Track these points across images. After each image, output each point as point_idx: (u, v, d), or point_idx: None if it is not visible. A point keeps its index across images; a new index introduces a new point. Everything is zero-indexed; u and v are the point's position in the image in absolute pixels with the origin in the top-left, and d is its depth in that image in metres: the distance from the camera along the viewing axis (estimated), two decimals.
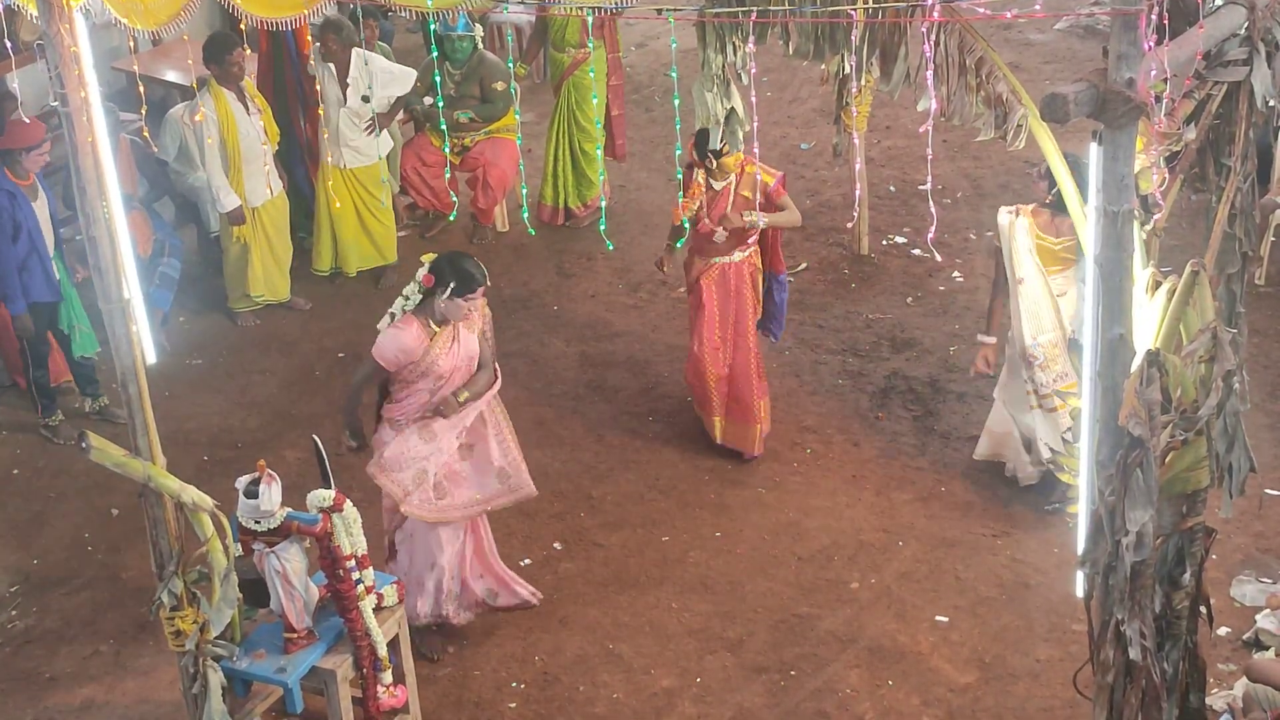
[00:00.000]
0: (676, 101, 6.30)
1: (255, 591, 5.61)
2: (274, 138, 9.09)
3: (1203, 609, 4.75)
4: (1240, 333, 4.67)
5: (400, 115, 10.41)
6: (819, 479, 7.68)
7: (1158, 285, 4.56)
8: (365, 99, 9.18)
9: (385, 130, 9.48)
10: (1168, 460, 4.34)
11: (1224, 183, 4.79)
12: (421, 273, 6.14)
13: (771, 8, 5.08)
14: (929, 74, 4.76)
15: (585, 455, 7.96)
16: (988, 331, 7.32)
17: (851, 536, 7.23)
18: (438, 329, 6.17)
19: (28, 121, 7.56)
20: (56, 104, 4.93)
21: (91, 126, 5.00)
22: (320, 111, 9.01)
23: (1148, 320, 4.47)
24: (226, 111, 8.74)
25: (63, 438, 8.21)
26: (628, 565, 7.14)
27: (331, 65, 9.17)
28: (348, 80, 9.16)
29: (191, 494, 5.20)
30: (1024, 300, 7.00)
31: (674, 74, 6.64)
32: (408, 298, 6.17)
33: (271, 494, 5.36)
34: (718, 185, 7.43)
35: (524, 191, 8.27)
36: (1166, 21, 4.14)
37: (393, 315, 6.19)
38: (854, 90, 8.36)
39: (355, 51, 9.18)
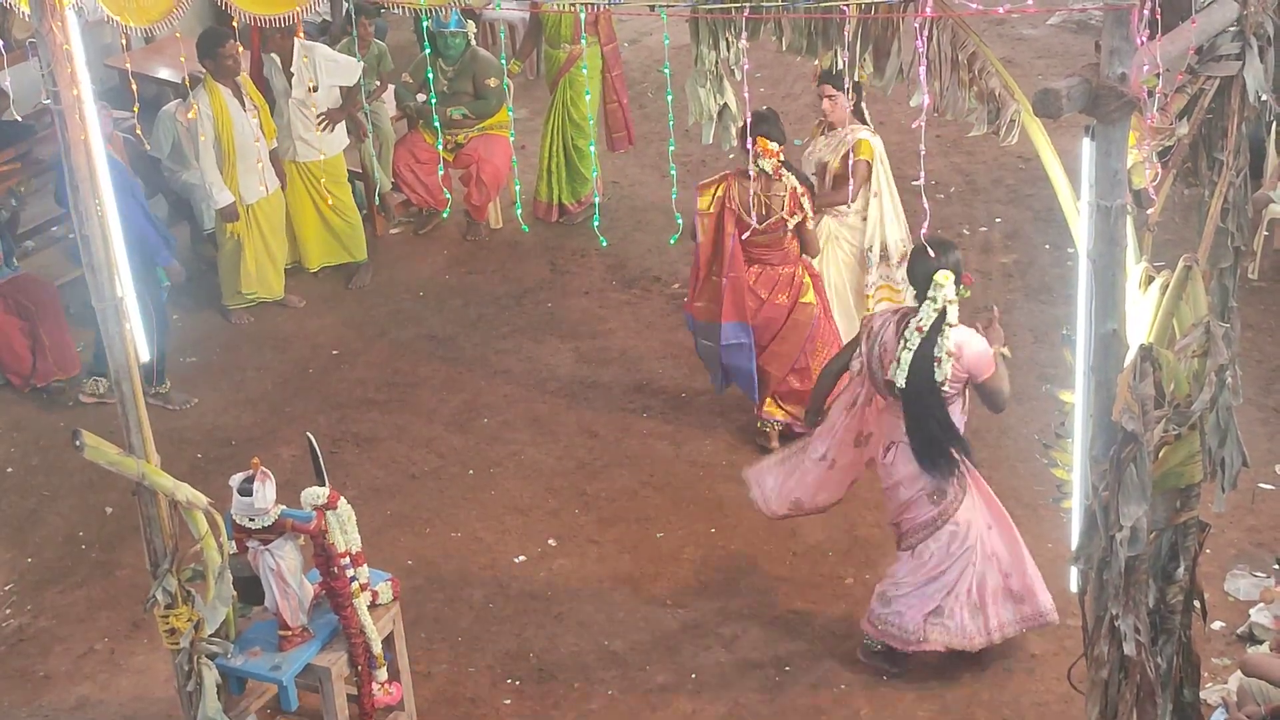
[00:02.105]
0: (670, 98, 6.30)
1: (250, 589, 5.61)
2: (270, 135, 9.07)
3: (1197, 604, 4.75)
4: (1233, 327, 4.67)
5: (393, 112, 10.41)
6: None
7: (1151, 280, 4.56)
8: (313, 89, 9.16)
9: (339, 126, 9.45)
10: (1161, 455, 4.34)
11: (1217, 177, 4.78)
12: (944, 278, 5.79)
13: (764, 3, 5.07)
14: (922, 69, 4.75)
15: (579, 452, 7.96)
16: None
17: (846, 532, 7.23)
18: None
19: None
20: (49, 101, 4.93)
21: (84, 124, 4.99)
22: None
23: (1141, 315, 4.47)
24: (222, 108, 8.72)
25: (176, 404, 8.41)
26: (622, 561, 7.14)
27: (276, 56, 9.17)
28: (291, 70, 9.16)
29: (186, 491, 5.20)
30: (887, 208, 7.99)
31: (667, 70, 6.64)
32: (953, 308, 5.83)
33: (266, 491, 5.35)
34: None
35: (518, 188, 8.27)
36: (1159, 16, 4.14)
37: (943, 330, 5.83)
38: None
39: (296, 42, 9.16)
